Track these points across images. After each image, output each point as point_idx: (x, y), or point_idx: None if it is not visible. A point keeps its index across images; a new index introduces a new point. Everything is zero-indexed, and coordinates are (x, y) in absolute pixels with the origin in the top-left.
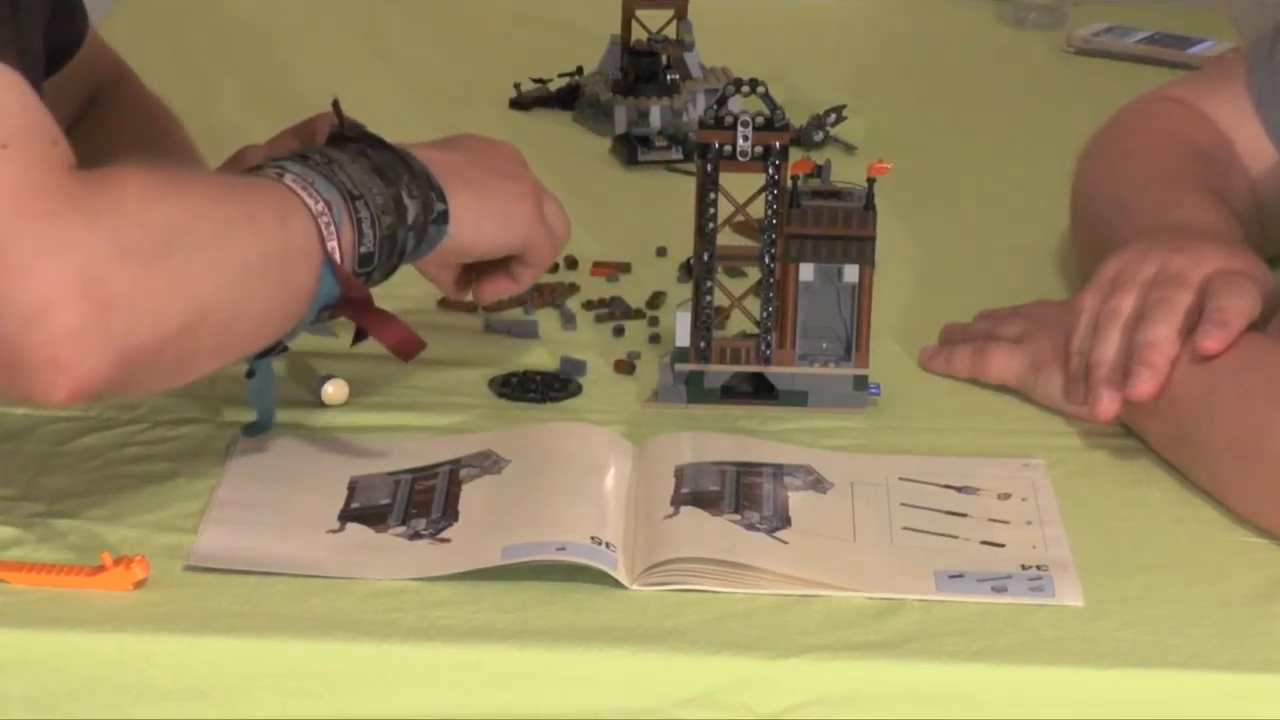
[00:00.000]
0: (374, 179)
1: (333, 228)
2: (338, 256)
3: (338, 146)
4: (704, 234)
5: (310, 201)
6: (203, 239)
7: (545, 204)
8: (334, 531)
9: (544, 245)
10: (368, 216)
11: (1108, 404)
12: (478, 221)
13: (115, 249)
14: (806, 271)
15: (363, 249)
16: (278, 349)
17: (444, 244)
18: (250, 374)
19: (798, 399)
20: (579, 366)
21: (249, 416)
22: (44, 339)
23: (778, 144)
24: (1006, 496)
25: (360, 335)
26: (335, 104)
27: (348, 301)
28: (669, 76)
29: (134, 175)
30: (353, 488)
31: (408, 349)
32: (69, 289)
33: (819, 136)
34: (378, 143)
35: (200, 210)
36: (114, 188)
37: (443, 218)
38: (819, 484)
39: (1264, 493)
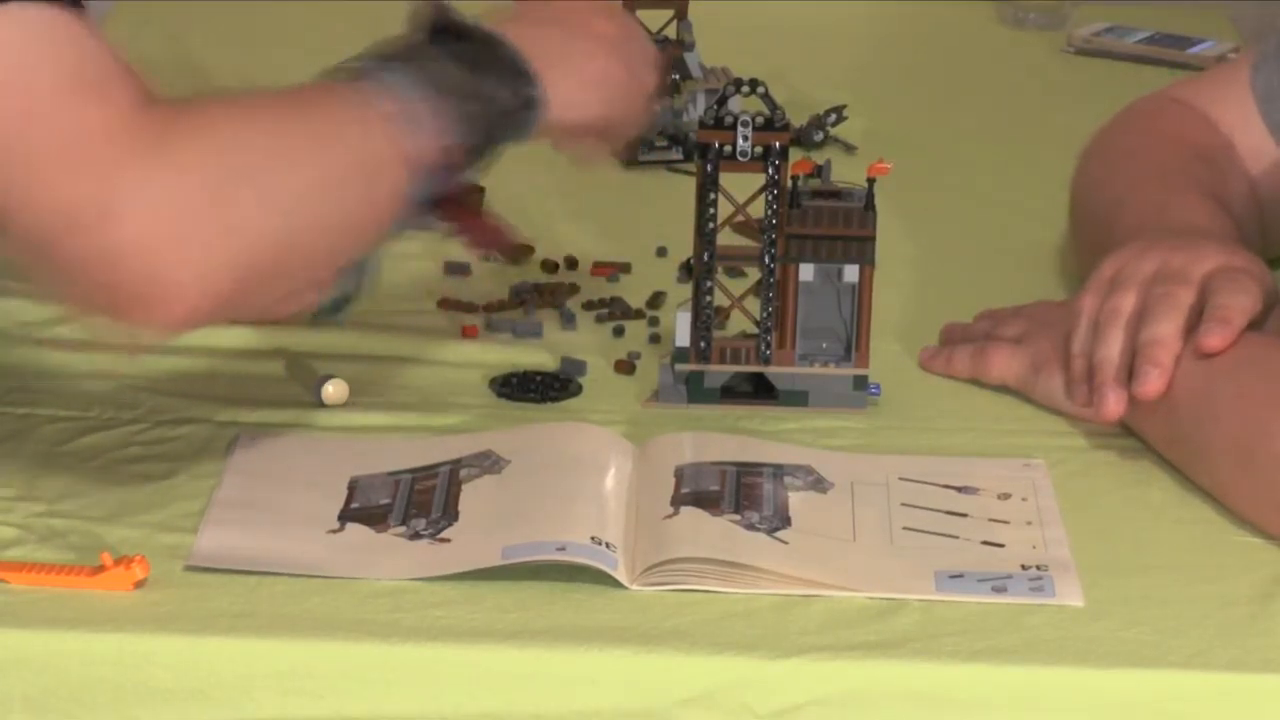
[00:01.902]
0: (459, 70)
1: (414, 127)
2: (421, 155)
3: (424, 36)
4: (704, 234)
5: (389, 104)
6: (288, 158)
7: (633, 49)
8: (334, 531)
9: (635, 99)
10: (453, 108)
11: (1114, 404)
12: (571, 99)
13: (207, 177)
14: (806, 271)
15: (450, 141)
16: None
17: (539, 126)
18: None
19: (798, 399)
20: (579, 366)
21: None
22: (151, 270)
23: (778, 144)
24: (1007, 496)
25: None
26: (432, 5)
27: (439, 199)
28: (669, 76)
29: (214, 105)
30: (353, 488)
31: (499, 245)
32: (168, 220)
33: (819, 136)
34: (466, 29)
35: (283, 131)
36: (196, 119)
37: (533, 103)
38: (819, 484)
39: (1263, 494)
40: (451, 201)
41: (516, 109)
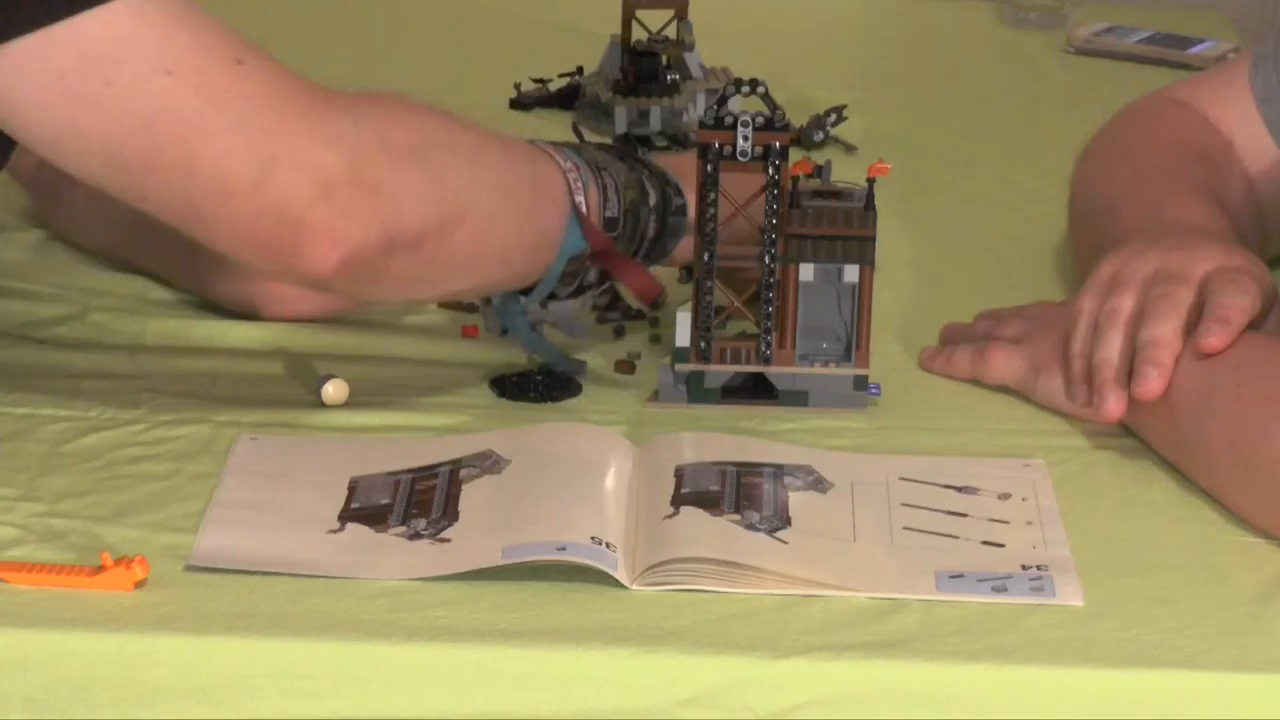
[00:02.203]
0: (615, 162)
1: (580, 184)
2: (584, 210)
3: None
4: (704, 234)
5: (559, 159)
6: (460, 150)
7: None
8: (334, 531)
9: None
10: (612, 184)
11: (1114, 405)
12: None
13: (380, 142)
14: (806, 271)
15: (608, 213)
16: (520, 300)
17: (684, 234)
18: (504, 332)
19: (798, 399)
20: (579, 366)
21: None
22: (320, 216)
23: (778, 144)
24: (1007, 496)
25: (603, 278)
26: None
27: (595, 252)
28: (669, 76)
29: (387, 93)
30: (353, 488)
31: (649, 294)
32: (341, 172)
33: (819, 136)
34: (611, 147)
35: (456, 128)
36: (369, 97)
37: (682, 210)
38: (819, 484)
39: (1262, 494)
40: (601, 253)
41: (666, 212)
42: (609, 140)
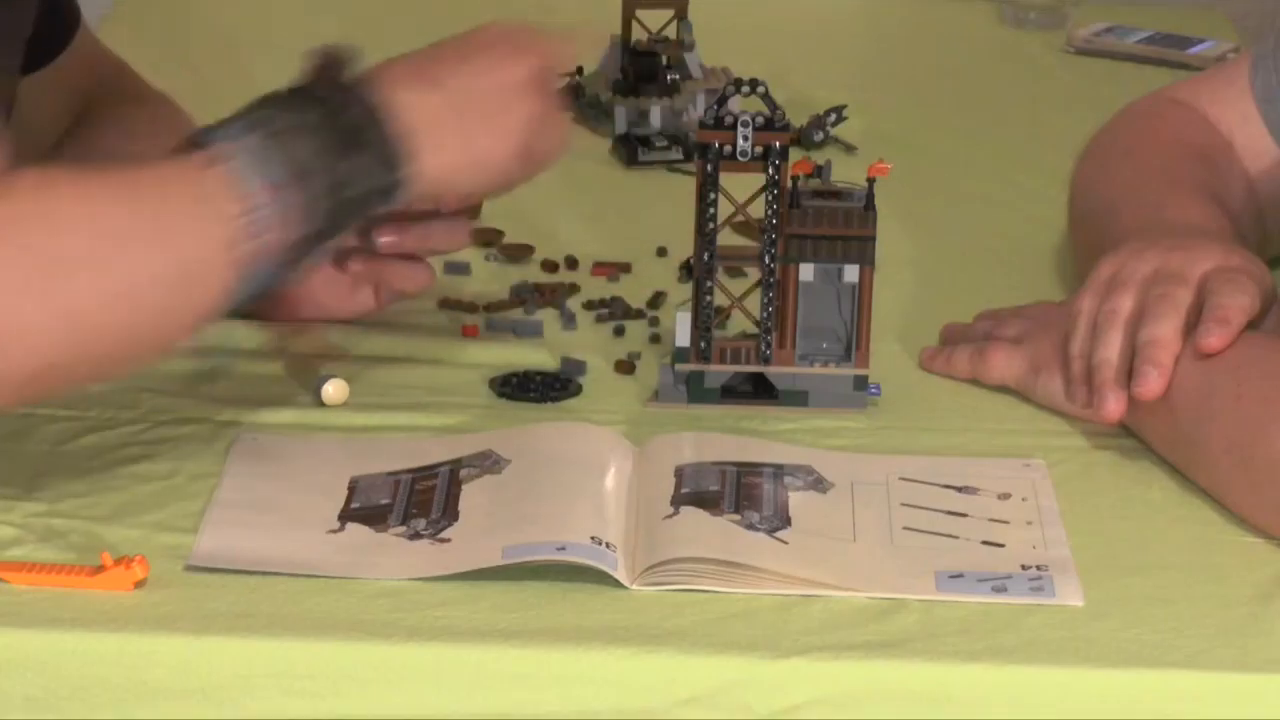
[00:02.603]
0: (324, 157)
1: (256, 226)
2: (259, 253)
3: (304, 99)
4: (704, 234)
5: (235, 204)
6: (107, 253)
7: (543, 129)
8: (334, 531)
9: (520, 175)
10: (308, 200)
11: (1114, 405)
12: (450, 176)
13: (18, 266)
14: (806, 271)
15: (294, 235)
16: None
17: (402, 202)
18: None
19: (798, 399)
20: (579, 366)
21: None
22: None
23: (778, 144)
24: (1006, 496)
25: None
26: (330, 51)
27: (265, 298)
28: (669, 76)
29: (40, 183)
30: (353, 488)
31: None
32: None
33: (819, 136)
34: (349, 97)
35: (107, 221)
36: (16, 199)
37: (396, 188)
38: (819, 484)
39: (1261, 494)
40: (270, 301)
41: (378, 193)
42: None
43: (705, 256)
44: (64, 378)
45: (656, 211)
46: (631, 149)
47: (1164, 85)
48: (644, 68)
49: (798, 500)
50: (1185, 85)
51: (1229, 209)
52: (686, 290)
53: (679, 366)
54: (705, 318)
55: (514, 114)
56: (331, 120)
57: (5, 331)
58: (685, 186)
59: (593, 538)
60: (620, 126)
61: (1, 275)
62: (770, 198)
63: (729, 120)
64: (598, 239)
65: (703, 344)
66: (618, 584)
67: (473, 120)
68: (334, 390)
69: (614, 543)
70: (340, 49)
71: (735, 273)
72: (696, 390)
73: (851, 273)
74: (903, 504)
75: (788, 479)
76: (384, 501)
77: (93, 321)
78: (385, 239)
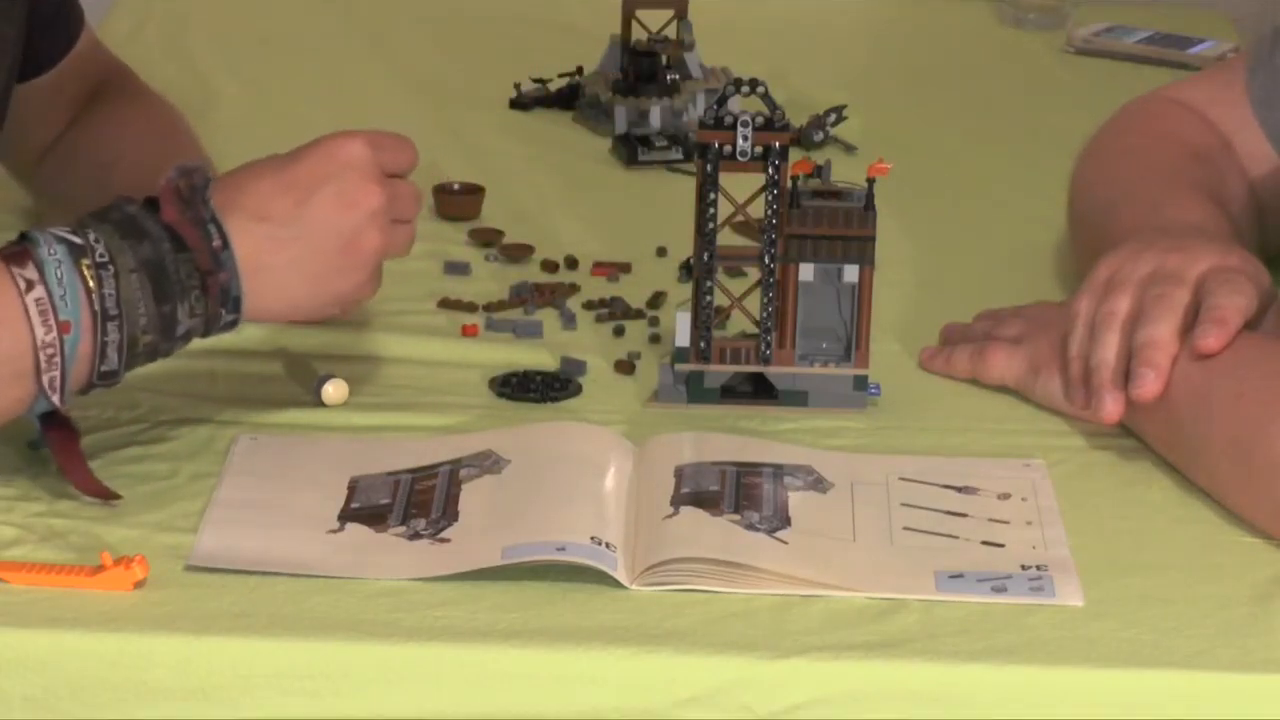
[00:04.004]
0: (147, 296)
1: (58, 358)
2: (54, 386)
3: (143, 229)
4: (704, 234)
5: (39, 331)
6: None
7: (366, 280)
8: (334, 531)
9: (352, 310)
10: (115, 340)
11: (1112, 407)
12: (279, 313)
13: None
14: (806, 271)
15: (104, 367)
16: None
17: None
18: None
19: (798, 399)
20: (579, 366)
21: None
22: None
23: (778, 144)
24: (1006, 496)
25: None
26: (187, 172)
27: (52, 432)
28: (669, 76)
29: None
30: (353, 488)
31: (92, 493)
32: None
33: (819, 136)
34: (197, 226)
35: None
36: None
37: (225, 326)
38: (819, 484)
39: (1260, 494)
40: (56, 436)
41: (208, 331)
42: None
43: (705, 256)
44: None
45: (656, 211)
46: (631, 149)
47: (1162, 85)
48: (644, 68)
49: (797, 500)
50: (1181, 86)
51: (1227, 208)
52: (686, 290)
53: (679, 366)
54: (705, 318)
55: (350, 270)
56: (162, 258)
57: None
58: (685, 186)
59: (592, 538)
60: (620, 126)
61: None
62: (770, 198)
63: (729, 120)
64: (598, 239)
65: (703, 344)
66: (618, 584)
67: (310, 270)
68: (334, 390)
69: (614, 543)
70: (195, 169)
71: (735, 273)
72: (696, 390)
73: (851, 273)
74: (903, 504)
75: (787, 479)
76: (384, 501)
77: None
78: None
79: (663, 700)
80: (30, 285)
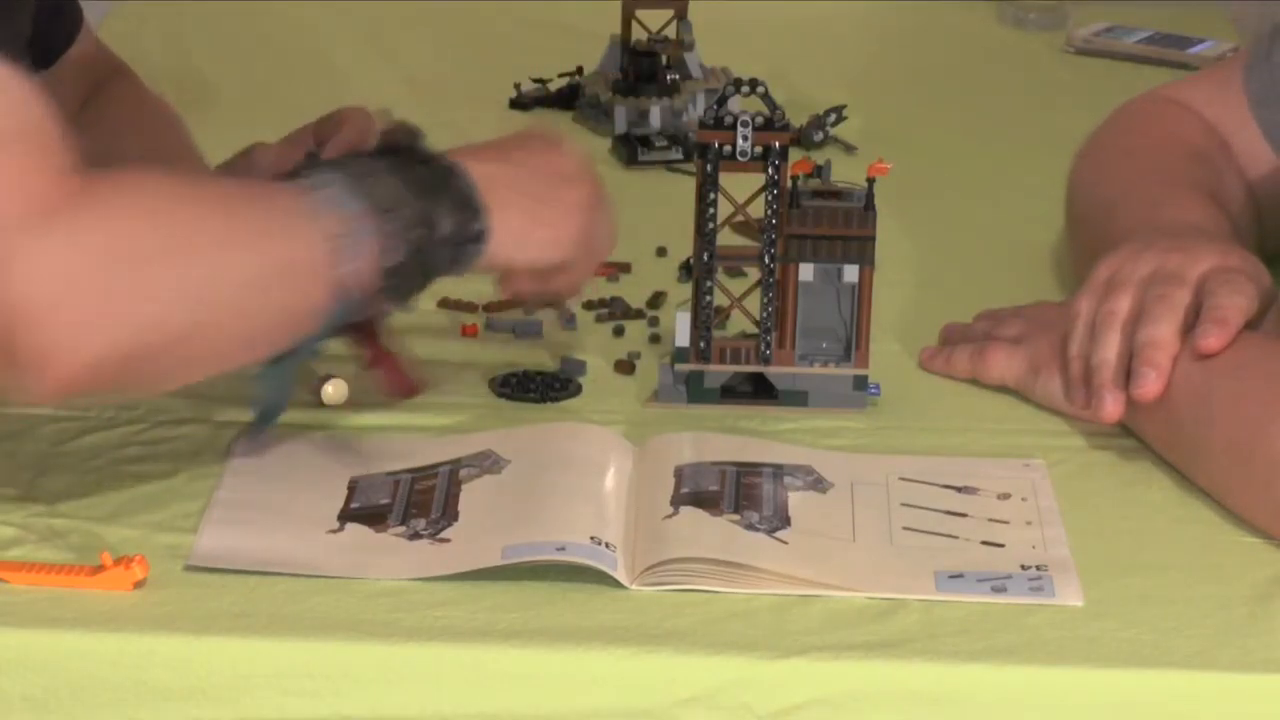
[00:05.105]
0: (409, 194)
1: (352, 247)
2: (355, 277)
3: (381, 155)
4: (704, 234)
5: (331, 221)
6: (202, 251)
7: (597, 217)
8: (334, 531)
9: (583, 264)
10: (396, 230)
11: (1112, 406)
12: (521, 240)
13: (111, 253)
14: (806, 271)
15: (388, 263)
16: (291, 355)
17: (482, 261)
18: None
19: (798, 399)
20: (579, 366)
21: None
22: (39, 336)
23: (778, 144)
24: (1006, 497)
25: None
26: (389, 117)
27: (355, 326)
28: (669, 76)
29: (139, 180)
30: (353, 488)
31: (402, 390)
32: (80, 278)
33: (819, 136)
34: (424, 155)
35: (204, 221)
36: (117, 192)
37: (480, 237)
38: (819, 484)
39: (1260, 494)
40: (360, 329)
41: (460, 240)
42: (610, 138)
43: (705, 256)
44: (167, 360)
45: (656, 211)
46: (631, 149)
47: (1160, 85)
48: (644, 68)
49: (797, 500)
50: (1179, 85)
51: (1226, 208)
52: (686, 290)
53: (679, 366)
54: (705, 318)
55: (573, 193)
56: (409, 169)
57: (117, 305)
58: (685, 186)
59: (592, 538)
60: (620, 126)
61: (88, 260)
62: (770, 198)
63: (729, 120)
64: None
65: (702, 344)
66: (617, 584)
67: (536, 192)
68: (334, 390)
69: (614, 543)
70: (408, 125)
71: (735, 273)
72: (696, 390)
73: (851, 273)
74: (902, 504)
75: (787, 479)
76: (384, 501)
77: (199, 311)
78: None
79: (663, 700)
80: (307, 190)
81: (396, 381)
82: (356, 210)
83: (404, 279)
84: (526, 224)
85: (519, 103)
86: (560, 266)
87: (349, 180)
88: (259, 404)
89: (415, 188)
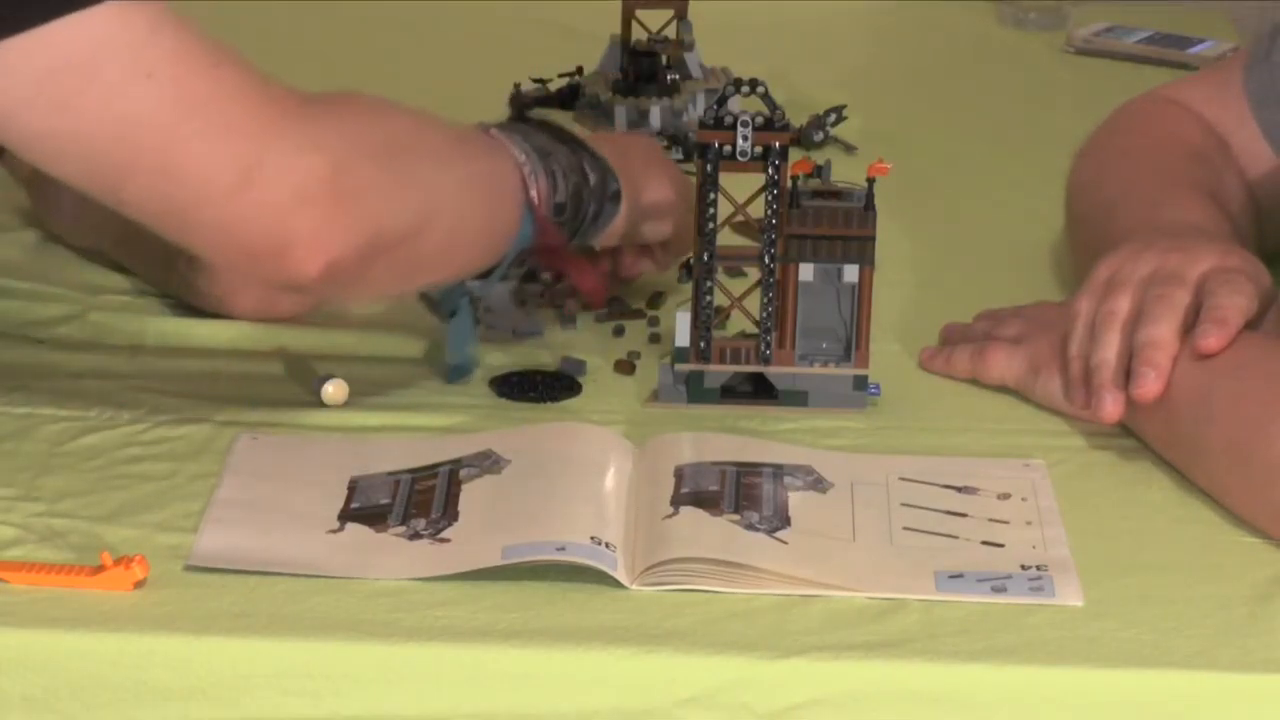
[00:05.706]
0: (558, 145)
1: (533, 177)
2: (537, 202)
3: (513, 123)
4: (704, 234)
5: (514, 150)
6: (429, 149)
7: (685, 197)
8: (334, 531)
9: (686, 231)
10: (560, 169)
11: (1112, 407)
12: (644, 209)
13: (357, 147)
14: (806, 271)
15: (557, 199)
16: (464, 304)
17: (615, 223)
18: (453, 314)
19: (798, 399)
20: (579, 366)
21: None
22: (302, 222)
23: (778, 144)
24: (1006, 496)
25: (557, 279)
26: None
27: (545, 246)
28: (669, 76)
29: (354, 96)
30: (353, 488)
31: (598, 296)
32: (321, 178)
33: (819, 136)
34: (557, 128)
35: (423, 127)
36: (340, 103)
37: (616, 197)
38: (819, 484)
39: (1259, 495)
40: (551, 247)
41: (605, 194)
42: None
43: (705, 256)
44: (413, 253)
45: None
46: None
47: (1160, 85)
48: (644, 68)
49: (797, 500)
50: (1179, 85)
51: (1226, 208)
52: (686, 290)
53: (679, 366)
54: (705, 318)
55: (670, 166)
56: (548, 130)
57: (370, 195)
58: None
59: (592, 538)
60: (620, 126)
61: (362, 150)
62: (770, 198)
63: (729, 120)
64: None
65: (702, 344)
66: (617, 584)
67: (645, 167)
68: (334, 390)
69: (614, 543)
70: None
71: (735, 273)
72: (696, 390)
73: (851, 273)
74: (902, 504)
75: (787, 479)
76: (384, 501)
77: (436, 201)
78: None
79: (663, 700)
80: (485, 128)
81: (589, 286)
82: (528, 150)
83: (567, 217)
84: (645, 197)
85: (519, 103)
86: (663, 241)
87: (510, 129)
88: (454, 357)
89: (564, 144)
